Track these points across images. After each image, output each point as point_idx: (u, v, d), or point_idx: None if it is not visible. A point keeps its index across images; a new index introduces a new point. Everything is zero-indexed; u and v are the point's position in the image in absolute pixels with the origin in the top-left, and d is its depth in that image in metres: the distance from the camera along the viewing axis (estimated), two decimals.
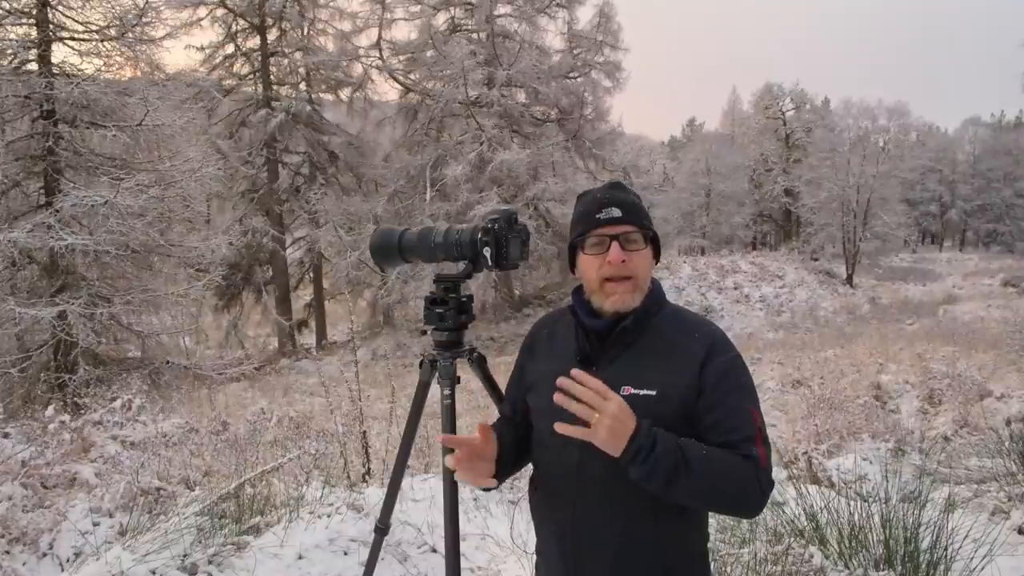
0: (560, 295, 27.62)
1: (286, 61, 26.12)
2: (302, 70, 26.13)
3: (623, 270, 1.50)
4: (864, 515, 2.96)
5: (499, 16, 26.89)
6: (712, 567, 2.88)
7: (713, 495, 1.42)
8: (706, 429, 1.45)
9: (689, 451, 1.37)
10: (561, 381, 1.37)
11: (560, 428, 1.36)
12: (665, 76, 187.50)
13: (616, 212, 1.52)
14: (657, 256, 1.60)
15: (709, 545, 3.06)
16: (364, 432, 4.82)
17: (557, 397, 1.37)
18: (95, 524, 3.28)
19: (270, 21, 25.28)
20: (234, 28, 25.34)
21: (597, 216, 1.52)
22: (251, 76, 25.98)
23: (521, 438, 1.67)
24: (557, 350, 1.62)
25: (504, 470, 1.61)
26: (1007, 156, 55.25)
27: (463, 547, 2.87)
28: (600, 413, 1.33)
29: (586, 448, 1.47)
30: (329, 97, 27.65)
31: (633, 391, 1.46)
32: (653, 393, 1.46)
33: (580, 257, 1.58)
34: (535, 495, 1.67)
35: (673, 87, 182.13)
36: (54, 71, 13.29)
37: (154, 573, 2.85)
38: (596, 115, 28.33)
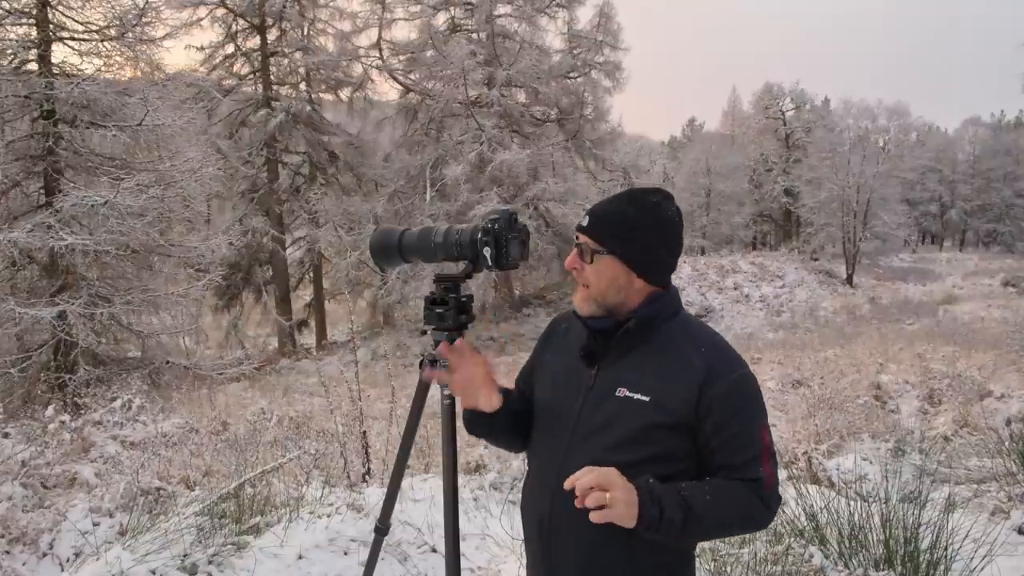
0: (560, 295, 27.61)
1: (286, 61, 26.13)
2: (302, 70, 26.14)
3: (578, 277, 1.55)
4: (864, 515, 2.96)
5: (499, 16, 26.89)
6: (712, 567, 2.89)
7: (722, 530, 1.57)
8: (711, 451, 1.46)
9: (694, 500, 1.39)
10: (568, 485, 1.39)
11: (595, 518, 1.37)
12: (665, 76, 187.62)
13: (585, 221, 1.56)
14: (641, 273, 1.52)
15: (709, 545, 3.07)
16: (364, 432, 4.83)
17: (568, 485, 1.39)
18: (95, 524, 3.28)
19: (270, 21, 25.29)
20: (234, 28, 25.35)
21: (579, 222, 1.58)
22: (251, 76, 25.99)
23: (520, 412, 1.68)
24: (566, 346, 1.65)
25: (502, 417, 1.63)
26: (1007, 156, 55.28)
27: (463, 547, 2.87)
28: (610, 489, 1.35)
29: (575, 440, 1.51)
30: (329, 97, 27.68)
31: (628, 394, 1.48)
32: (647, 399, 1.46)
33: None
34: (524, 486, 1.71)
35: (673, 87, 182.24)
36: (54, 71, 13.29)
37: (154, 573, 2.85)
38: (596, 115, 28.35)
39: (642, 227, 1.51)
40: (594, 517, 1.35)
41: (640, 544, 1.48)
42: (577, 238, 1.57)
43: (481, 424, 1.64)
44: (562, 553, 1.54)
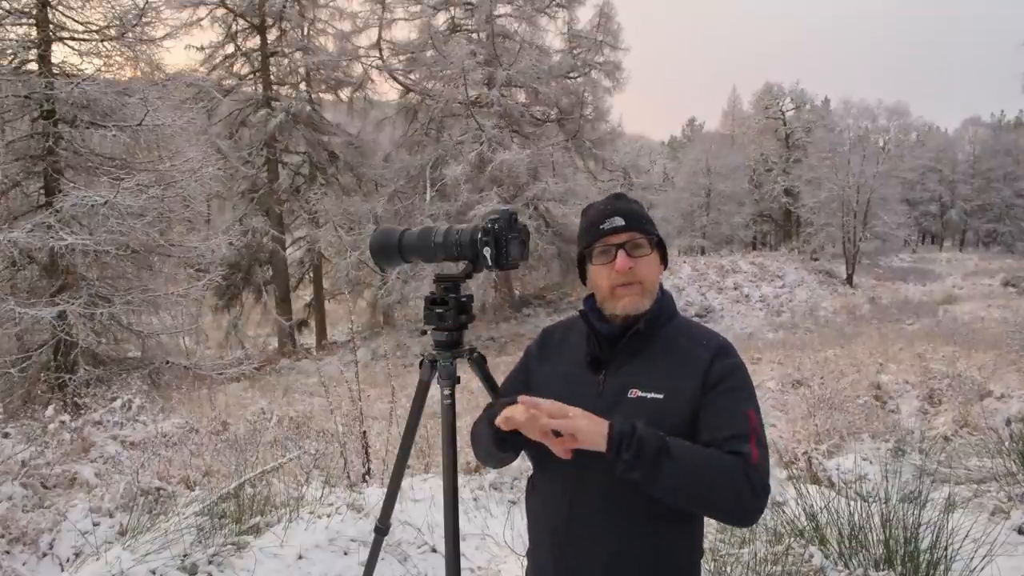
0: (560, 295, 27.62)
1: (286, 61, 26.13)
2: (302, 70, 26.14)
3: (630, 276, 1.53)
4: (864, 515, 2.96)
5: (499, 16, 26.89)
6: (712, 567, 2.89)
7: (700, 489, 1.36)
8: (699, 427, 1.46)
9: (672, 442, 1.38)
10: (524, 400, 1.42)
11: (559, 445, 1.39)
12: (665, 76, 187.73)
13: (619, 221, 1.55)
14: (664, 261, 1.62)
15: (708, 545, 3.08)
16: (364, 432, 4.82)
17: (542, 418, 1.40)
18: (95, 524, 3.28)
19: (270, 21, 25.29)
20: (234, 28, 25.35)
21: (601, 227, 1.55)
22: (251, 76, 25.98)
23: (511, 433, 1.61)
24: (567, 354, 1.63)
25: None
26: (1007, 156, 55.25)
27: (463, 547, 2.87)
28: (566, 414, 1.38)
29: (585, 454, 1.45)
30: (329, 97, 27.68)
31: (640, 394, 1.48)
32: (660, 396, 1.47)
33: (589, 268, 1.61)
34: (532, 496, 1.67)
35: (673, 87, 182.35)
36: (54, 71, 13.28)
37: (154, 573, 2.84)
38: (596, 115, 28.34)
39: (650, 219, 1.62)
40: (556, 445, 1.37)
41: (661, 555, 1.47)
42: (609, 240, 1.55)
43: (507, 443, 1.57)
44: (578, 566, 1.51)
